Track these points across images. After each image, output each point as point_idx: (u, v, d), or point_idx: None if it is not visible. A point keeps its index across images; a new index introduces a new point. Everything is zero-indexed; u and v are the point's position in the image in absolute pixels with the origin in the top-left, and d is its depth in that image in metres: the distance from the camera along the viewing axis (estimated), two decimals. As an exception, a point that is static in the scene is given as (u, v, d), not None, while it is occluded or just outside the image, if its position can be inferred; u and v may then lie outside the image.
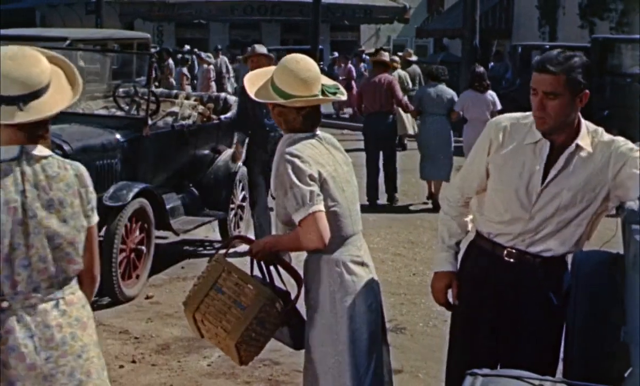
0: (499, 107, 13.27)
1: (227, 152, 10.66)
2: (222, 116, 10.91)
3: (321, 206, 4.17)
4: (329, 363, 4.32)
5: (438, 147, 13.60)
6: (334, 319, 4.30)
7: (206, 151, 10.53)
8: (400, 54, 23.10)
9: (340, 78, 26.86)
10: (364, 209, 13.15)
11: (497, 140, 4.28)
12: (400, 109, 14.80)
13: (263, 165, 9.78)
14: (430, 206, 13.74)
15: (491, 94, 13.51)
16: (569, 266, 4.35)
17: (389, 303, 8.66)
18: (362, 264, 4.43)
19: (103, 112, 10.20)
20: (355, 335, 4.35)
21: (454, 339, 4.60)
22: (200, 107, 10.71)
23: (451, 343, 4.63)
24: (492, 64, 29.62)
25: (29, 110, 3.37)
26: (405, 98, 14.06)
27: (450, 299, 4.57)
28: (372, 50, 23.79)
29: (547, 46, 24.26)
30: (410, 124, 18.14)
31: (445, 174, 13.59)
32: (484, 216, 4.39)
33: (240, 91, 10.06)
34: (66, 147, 8.52)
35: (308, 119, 4.38)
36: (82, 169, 3.55)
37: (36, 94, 3.39)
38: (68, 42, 12.26)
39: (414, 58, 22.00)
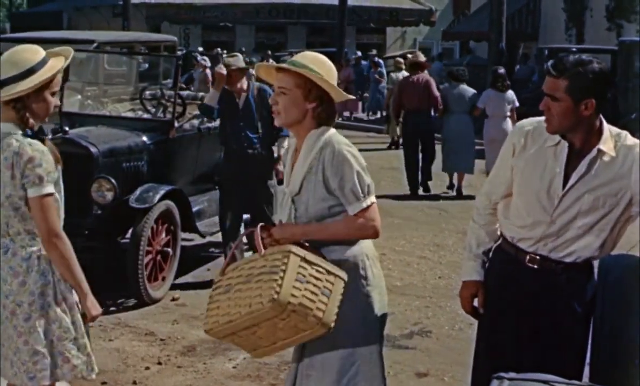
0: (517, 104, 14.75)
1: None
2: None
3: (375, 198, 4.25)
4: (362, 356, 4.28)
5: (461, 142, 14.91)
6: (366, 311, 4.27)
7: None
8: (409, 55, 23.23)
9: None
10: (394, 207, 13.51)
11: (520, 143, 4.29)
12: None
13: (239, 185, 9.07)
14: (452, 193, 15.18)
15: (511, 93, 14.76)
16: (596, 272, 4.32)
17: (415, 306, 8.66)
18: (378, 259, 4.43)
19: (130, 114, 10.25)
20: (382, 329, 4.37)
21: (480, 343, 4.59)
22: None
23: (477, 347, 4.62)
24: (518, 66, 29.54)
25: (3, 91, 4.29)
26: (439, 97, 15.00)
27: (477, 307, 4.56)
28: (398, 53, 23.93)
29: (574, 49, 24.16)
30: None
31: (467, 166, 15.12)
32: (508, 220, 4.39)
33: (221, 98, 9.18)
34: (93, 150, 8.56)
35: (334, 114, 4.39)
36: (28, 149, 4.24)
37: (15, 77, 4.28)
38: (95, 44, 12.33)
39: (422, 59, 21.99)
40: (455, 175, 15.39)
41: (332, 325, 3.98)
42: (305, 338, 4.11)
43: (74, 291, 4.46)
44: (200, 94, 12.01)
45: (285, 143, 9.06)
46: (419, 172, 15.32)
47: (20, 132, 4.32)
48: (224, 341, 4.39)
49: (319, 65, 4.24)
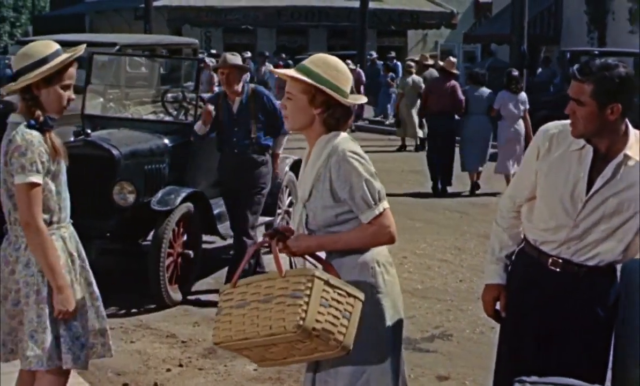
0: (527, 106, 15.34)
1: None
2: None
3: (387, 203, 4.19)
4: (373, 364, 4.24)
5: (479, 142, 15.54)
6: (376, 319, 4.24)
7: (253, 156, 10.55)
8: (417, 58, 23.51)
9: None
10: (416, 210, 13.53)
11: (544, 147, 4.28)
12: (412, 114, 19.23)
13: (233, 193, 8.89)
14: (476, 191, 15.65)
15: (523, 95, 15.39)
16: (618, 276, 4.31)
17: (436, 310, 8.65)
18: (392, 265, 4.38)
19: (151, 117, 10.29)
20: (396, 337, 4.32)
21: (502, 346, 4.58)
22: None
23: (499, 350, 4.61)
24: (540, 69, 29.42)
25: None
26: (463, 100, 15.59)
27: (499, 310, 4.55)
28: (417, 57, 24.00)
29: (596, 52, 24.06)
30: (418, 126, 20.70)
31: (484, 163, 15.79)
32: (531, 223, 4.38)
33: (210, 102, 9.01)
34: (115, 152, 8.59)
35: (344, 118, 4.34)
36: (17, 137, 4.38)
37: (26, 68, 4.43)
38: (117, 47, 12.39)
39: (430, 61, 22.39)
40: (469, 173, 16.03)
41: (351, 347, 3.94)
42: (321, 358, 4.08)
43: (47, 286, 4.53)
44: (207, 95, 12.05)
45: (284, 141, 9.22)
46: (440, 175, 15.85)
47: (25, 122, 4.45)
48: (232, 352, 4.34)
49: (325, 69, 4.17)
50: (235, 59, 8.78)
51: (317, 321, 3.81)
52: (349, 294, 3.96)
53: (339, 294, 3.92)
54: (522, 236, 4.49)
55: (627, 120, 4.13)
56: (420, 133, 20.82)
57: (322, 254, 4.22)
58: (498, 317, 4.57)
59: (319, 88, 4.13)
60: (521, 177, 4.49)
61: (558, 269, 4.26)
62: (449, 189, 15.76)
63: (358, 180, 4.09)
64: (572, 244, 4.21)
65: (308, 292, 3.84)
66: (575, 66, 4.11)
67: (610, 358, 4.30)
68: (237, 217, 8.84)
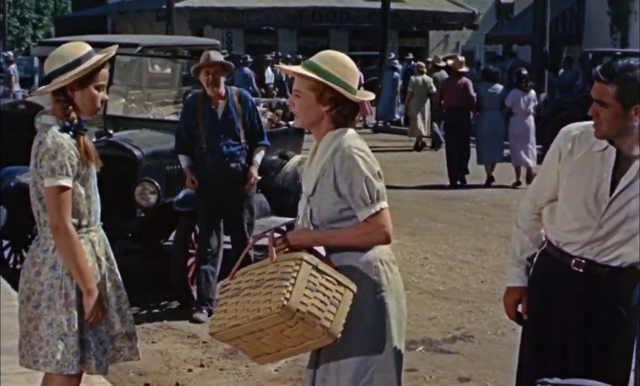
0: (537, 102, 17.07)
1: (295, 159, 10.65)
2: (291, 122, 10.94)
3: (386, 203, 4.17)
4: (377, 361, 4.21)
5: (493, 136, 16.57)
6: (380, 317, 4.22)
7: (274, 157, 10.55)
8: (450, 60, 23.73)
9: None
10: (437, 211, 13.53)
11: (567, 148, 4.27)
12: (418, 114, 20.56)
13: (219, 204, 8.29)
14: (490, 185, 16.55)
15: (533, 93, 16.77)
16: None
17: (457, 311, 8.63)
18: (395, 263, 4.36)
19: (173, 117, 10.30)
20: (399, 335, 4.31)
21: (524, 348, 4.57)
22: (269, 114, 10.77)
23: (521, 352, 4.60)
24: (562, 70, 29.31)
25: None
26: (475, 96, 16.70)
27: (521, 313, 4.54)
28: (431, 59, 24.29)
29: (618, 53, 23.93)
30: (424, 125, 21.51)
31: (498, 157, 16.85)
32: (553, 225, 4.36)
33: (188, 105, 8.52)
34: (136, 153, 8.62)
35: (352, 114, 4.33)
36: (48, 140, 4.36)
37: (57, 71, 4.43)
38: (139, 48, 12.41)
39: (442, 64, 22.57)
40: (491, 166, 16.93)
41: (339, 335, 3.94)
42: (311, 347, 4.09)
43: (75, 289, 4.53)
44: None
45: (262, 152, 8.56)
46: (455, 168, 16.80)
47: (57, 125, 4.44)
48: (230, 345, 4.30)
49: (333, 65, 4.16)
50: (217, 56, 8.29)
51: (302, 303, 3.84)
52: (339, 283, 3.98)
53: (327, 280, 3.95)
54: (544, 238, 4.48)
55: None
56: (423, 131, 21.47)
57: (322, 251, 4.20)
58: (520, 319, 4.56)
59: (327, 85, 4.13)
60: (543, 178, 4.47)
61: (581, 270, 4.24)
62: (466, 181, 16.74)
63: (359, 177, 4.08)
64: (596, 245, 4.20)
65: (295, 274, 3.88)
66: (598, 68, 4.11)
67: (634, 359, 4.28)
68: (234, 230, 8.44)
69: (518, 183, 16.32)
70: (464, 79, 16.83)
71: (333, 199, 4.15)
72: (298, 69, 4.22)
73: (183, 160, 8.31)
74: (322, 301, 3.90)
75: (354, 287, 4.01)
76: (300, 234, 4.23)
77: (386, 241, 4.18)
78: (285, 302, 3.80)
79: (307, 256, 3.96)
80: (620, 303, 4.24)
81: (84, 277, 4.46)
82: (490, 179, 16.62)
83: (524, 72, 17.04)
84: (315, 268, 3.94)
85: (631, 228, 4.14)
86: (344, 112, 4.19)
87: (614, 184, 4.14)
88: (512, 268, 4.55)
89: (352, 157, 4.10)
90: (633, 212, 4.12)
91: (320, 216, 4.20)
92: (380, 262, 4.21)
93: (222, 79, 8.26)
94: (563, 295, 4.29)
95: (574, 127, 4.32)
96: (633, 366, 4.28)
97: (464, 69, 17.46)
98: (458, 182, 16.52)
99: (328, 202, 4.16)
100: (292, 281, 3.86)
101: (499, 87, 16.88)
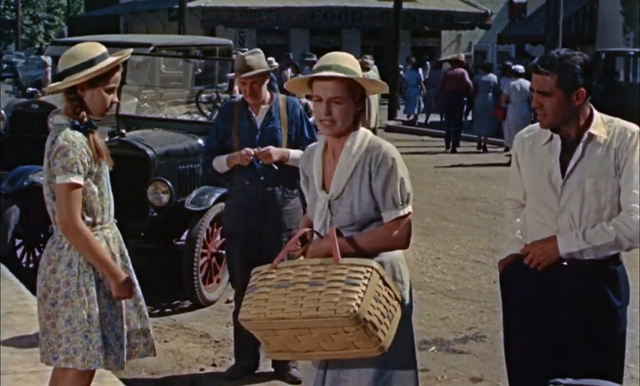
0: (529, 92, 17.76)
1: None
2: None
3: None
4: (396, 359, 4.16)
5: (486, 113, 21.29)
6: (403, 317, 4.20)
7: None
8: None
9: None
10: (449, 211, 13.52)
11: (520, 151, 4.50)
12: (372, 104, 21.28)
13: (251, 234, 6.58)
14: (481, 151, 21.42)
15: (524, 81, 18.84)
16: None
17: (469, 311, 8.62)
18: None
19: (186, 117, 10.33)
20: (412, 332, 4.31)
21: (518, 348, 4.57)
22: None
23: (508, 350, 4.65)
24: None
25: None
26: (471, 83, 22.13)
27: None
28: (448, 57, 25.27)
29: (632, 53, 23.88)
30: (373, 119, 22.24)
31: (488, 131, 21.83)
32: (528, 225, 4.47)
33: (223, 111, 7.12)
34: (149, 152, 8.63)
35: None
36: (60, 138, 4.41)
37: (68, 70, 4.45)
38: (152, 48, 12.46)
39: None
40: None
41: (387, 351, 3.90)
42: (352, 356, 3.97)
43: (95, 286, 4.56)
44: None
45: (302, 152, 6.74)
46: (451, 137, 21.81)
47: (69, 124, 4.48)
48: (255, 334, 4.06)
49: (349, 63, 4.16)
50: (260, 61, 6.55)
51: (369, 312, 3.79)
52: (395, 297, 3.97)
53: (388, 293, 3.93)
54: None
55: (590, 103, 4.29)
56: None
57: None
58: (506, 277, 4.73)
59: (357, 84, 4.14)
60: (513, 182, 4.65)
61: (565, 263, 4.30)
62: (459, 150, 21.63)
63: (395, 177, 4.11)
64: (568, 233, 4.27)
65: (366, 281, 3.82)
66: (535, 60, 4.35)
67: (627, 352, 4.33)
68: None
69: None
70: (461, 69, 22.11)
71: (368, 199, 4.16)
72: (333, 72, 4.10)
73: (217, 161, 6.65)
74: (382, 313, 3.87)
75: (403, 302, 4.04)
76: (319, 243, 4.17)
77: (406, 245, 4.22)
78: (356, 308, 3.74)
79: (377, 265, 3.92)
80: (608, 288, 4.30)
81: (106, 264, 4.52)
82: (483, 148, 21.93)
83: (508, 63, 22.89)
84: (382, 278, 3.92)
85: (591, 209, 4.23)
86: (364, 109, 4.27)
87: (565, 168, 4.27)
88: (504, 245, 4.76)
89: (391, 157, 4.12)
90: (588, 190, 4.22)
91: (354, 216, 4.18)
92: (400, 261, 4.26)
93: (263, 87, 6.62)
94: (552, 291, 4.34)
95: (524, 131, 4.57)
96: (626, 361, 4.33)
97: (461, 57, 23.49)
98: (451, 149, 21.39)
99: (363, 201, 4.16)
100: (364, 288, 3.80)
101: (492, 76, 22.25)
